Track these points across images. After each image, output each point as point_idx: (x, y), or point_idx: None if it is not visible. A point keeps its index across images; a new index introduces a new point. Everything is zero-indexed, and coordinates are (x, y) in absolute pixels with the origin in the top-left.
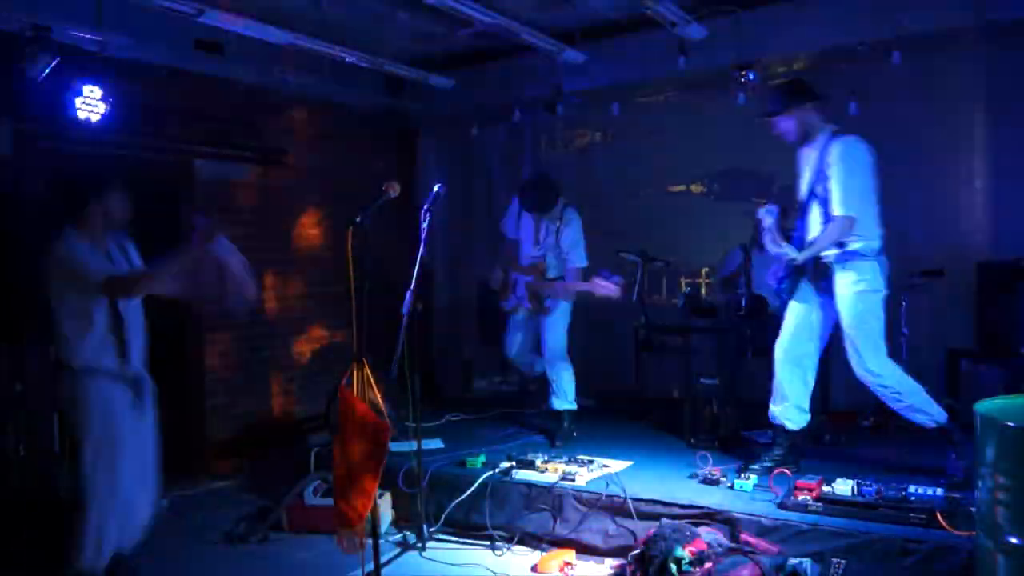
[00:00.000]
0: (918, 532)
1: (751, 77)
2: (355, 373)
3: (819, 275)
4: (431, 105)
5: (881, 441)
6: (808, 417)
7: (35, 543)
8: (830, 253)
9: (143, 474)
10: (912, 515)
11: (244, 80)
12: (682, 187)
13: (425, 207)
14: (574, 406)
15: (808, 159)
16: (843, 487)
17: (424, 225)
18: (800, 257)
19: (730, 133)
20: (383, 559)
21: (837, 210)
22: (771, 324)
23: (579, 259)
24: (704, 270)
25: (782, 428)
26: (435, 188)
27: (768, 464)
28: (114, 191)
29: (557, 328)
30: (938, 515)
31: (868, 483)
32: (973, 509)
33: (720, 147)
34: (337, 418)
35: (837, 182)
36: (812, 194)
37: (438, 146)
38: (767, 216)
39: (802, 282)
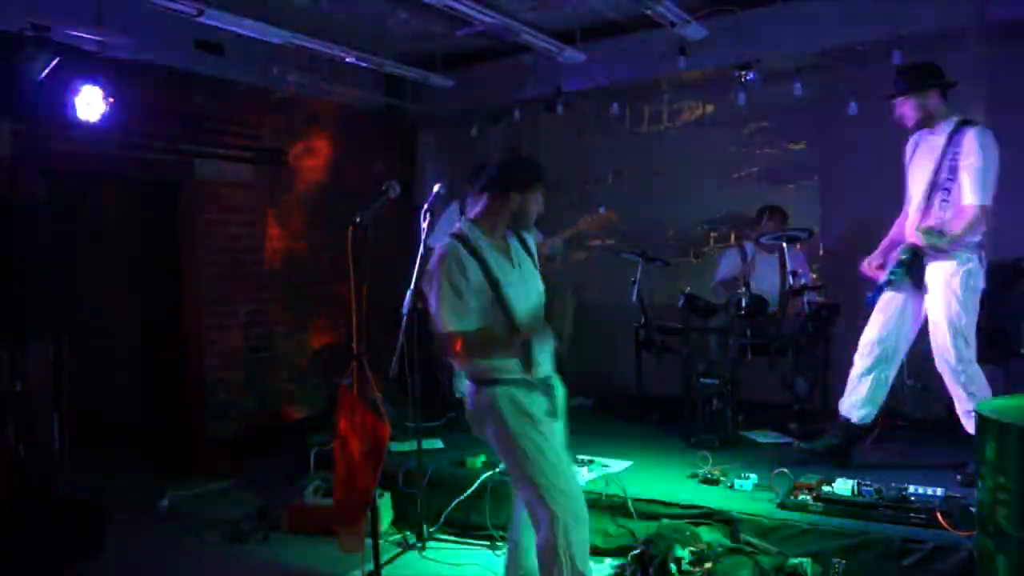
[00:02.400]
0: (918, 532)
1: (751, 77)
2: (355, 373)
3: (920, 267)
4: (431, 105)
5: (881, 441)
6: (875, 413)
7: (35, 543)
8: (942, 243)
9: None
10: (912, 515)
11: (244, 80)
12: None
13: (425, 207)
14: None
15: (927, 146)
16: (843, 487)
17: (424, 225)
18: (942, 243)
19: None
20: (383, 559)
21: (971, 199)
22: (771, 324)
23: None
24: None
25: (847, 420)
26: (435, 188)
27: (819, 447)
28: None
29: None
30: (938, 515)
31: (868, 483)
32: (973, 509)
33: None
34: (337, 418)
35: (974, 170)
36: (935, 182)
37: (438, 146)
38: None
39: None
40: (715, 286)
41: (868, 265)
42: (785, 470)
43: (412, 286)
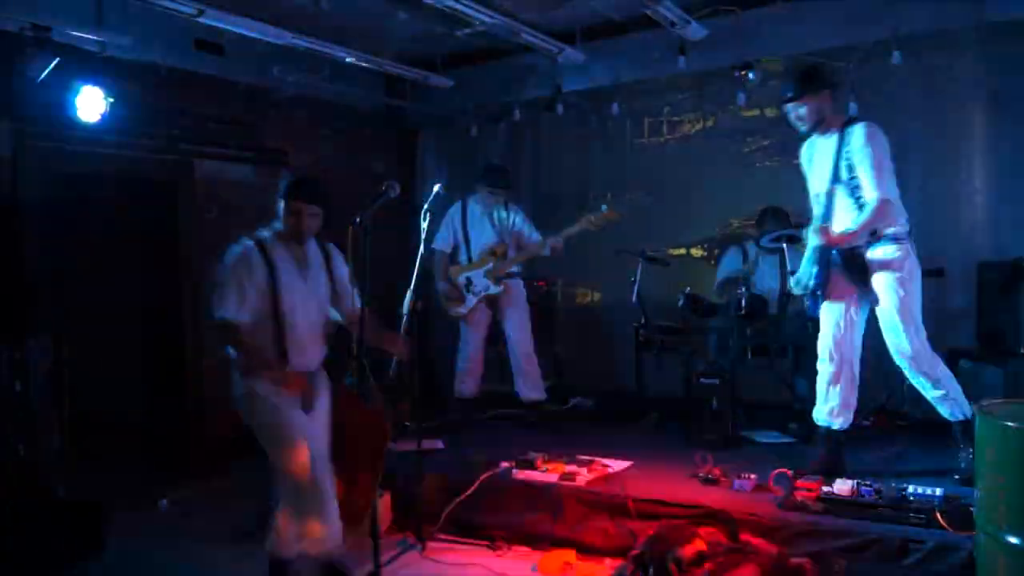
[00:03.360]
0: (918, 532)
1: (751, 77)
2: (355, 373)
3: (854, 264)
4: (431, 105)
5: (881, 441)
6: (851, 417)
7: (35, 543)
8: (859, 239)
9: None
10: (912, 515)
11: (244, 80)
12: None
13: (425, 207)
14: (544, 395)
15: (822, 148)
16: (843, 487)
17: (424, 225)
18: (859, 240)
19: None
20: (383, 559)
21: (872, 193)
22: (772, 324)
23: (531, 236)
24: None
25: (828, 429)
26: (435, 188)
27: (816, 468)
28: None
29: (524, 323)
30: (938, 515)
31: (868, 483)
32: (973, 509)
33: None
34: (337, 418)
35: (869, 165)
36: (836, 182)
37: (438, 146)
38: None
39: (834, 276)
40: (717, 286)
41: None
42: (785, 470)
43: (412, 286)
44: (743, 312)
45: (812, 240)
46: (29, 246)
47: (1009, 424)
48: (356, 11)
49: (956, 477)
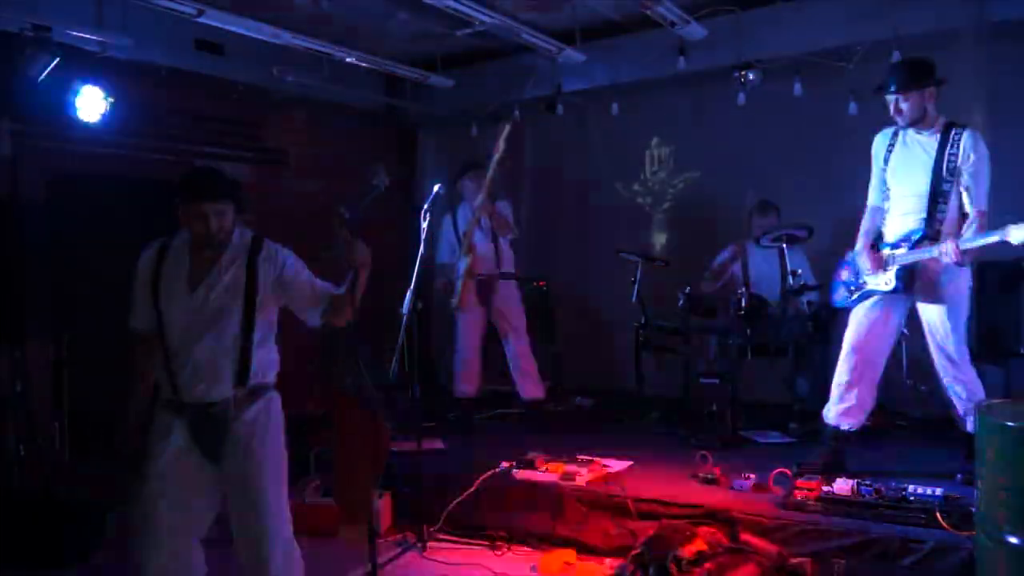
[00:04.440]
0: (918, 532)
1: (751, 77)
2: (354, 374)
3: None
4: (431, 105)
5: (881, 441)
6: (863, 419)
7: (35, 543)
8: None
9: None
10: (912, 515)
11: (244, 80)
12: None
13: (425, 207)
14: (544, 394)
15: (916, 146)
16: (843, 487)
17: (424, 225)
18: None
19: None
20: (383, 559)
21: (982, 206)
22: (772, 324)
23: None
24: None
25: (836, 428)
26: (435, 188)
27: (817, 466)
28: None
29: (520, 323)
30: (938, 515)
31: (868, 483)
32: (973, 509)
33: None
34: (336, 420)
35: (978, 176)
36: (939, 184)
37: (438, 146)
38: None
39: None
40: (708, 274)
41: (867, 269)
42: (785, 470)
43: (412, 286)
44: (743, 312)
45: (929, 251)
46: (29, 246)
47: (1009, 424)
48: (356, 11)
49: (959, 477)
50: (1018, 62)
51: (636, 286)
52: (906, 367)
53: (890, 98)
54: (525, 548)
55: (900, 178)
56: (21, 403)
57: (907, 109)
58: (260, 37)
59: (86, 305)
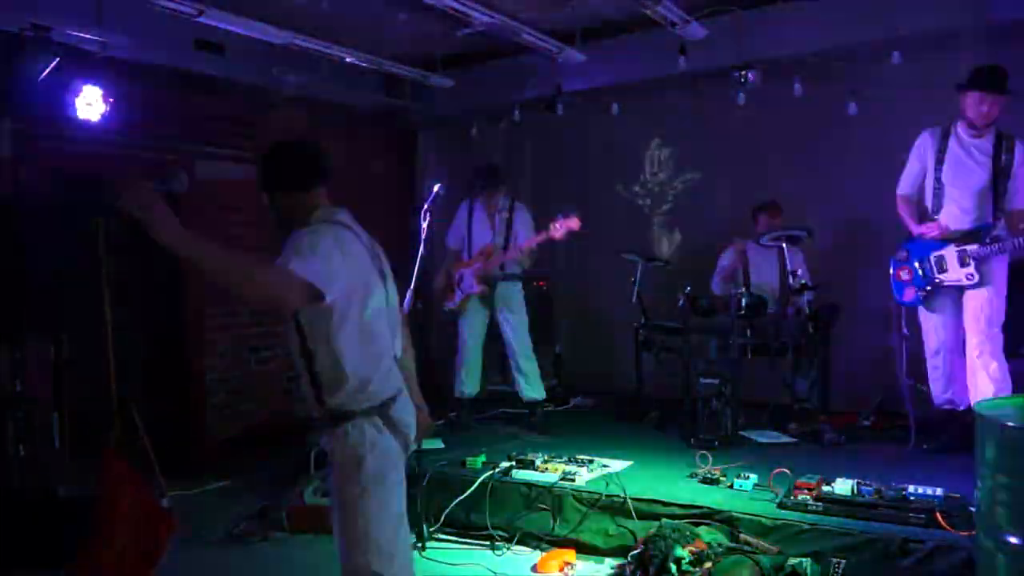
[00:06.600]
0: (918, 532)
1: (751, 77)
2: (117, 430)
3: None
4: (431, 105)
5: (881, 441)
6: (964, 394)
7: (35, 543)
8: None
9: None
10: (912, 515)
11: (244, 80)
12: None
13: (425, 207)
14: (544, 394)
15: (969, 147)
16: (843, 487)
17: (424, 225)
18: None
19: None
20: None
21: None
22: (772, 324)
23: (528, 238)
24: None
25: (953, 409)
26: (435, 188)
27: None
28: None
29: (522, 323)
30: (938, 515)
31: (868, 483)
32: (973, 509)
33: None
34: (101, 504)
35: (1018, 179)
36: (994, 183)
37: (438, 146)
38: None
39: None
40: (715, 281)
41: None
42: (785, 470)
43: (412, 286)
44: (743, 312)
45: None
46: (29, 246)
47: (1009, 424)
48: (356, 11)
49: (924, 446)
50: (1018, 62)
51: (636, 286)
52: (906, 367)
53: (974, 96)
54: (525, 548)
55: (958, 177)
56: (21, 403)
57: (992, 111)
58: (260, 37)
59: (86, 305)
